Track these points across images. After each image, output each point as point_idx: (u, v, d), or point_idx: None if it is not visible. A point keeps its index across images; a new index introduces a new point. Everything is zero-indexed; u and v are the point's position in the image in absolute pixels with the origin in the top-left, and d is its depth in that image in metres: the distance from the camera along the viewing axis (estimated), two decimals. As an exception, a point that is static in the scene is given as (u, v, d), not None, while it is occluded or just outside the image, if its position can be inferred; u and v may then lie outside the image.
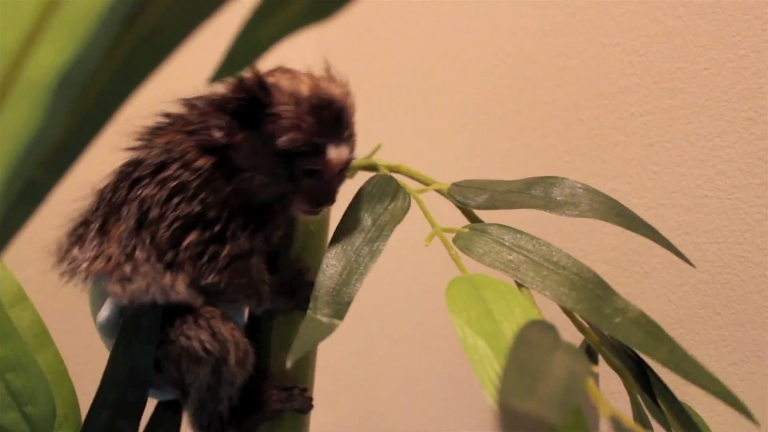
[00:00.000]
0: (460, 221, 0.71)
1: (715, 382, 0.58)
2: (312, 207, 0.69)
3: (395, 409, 1.20)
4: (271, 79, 0.67)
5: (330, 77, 0.72)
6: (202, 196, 0.67)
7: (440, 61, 1.14)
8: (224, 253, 0.68)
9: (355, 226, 0.66)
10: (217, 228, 0.67)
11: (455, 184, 0.73)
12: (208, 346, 0.68)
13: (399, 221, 0.67)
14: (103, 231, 0.69)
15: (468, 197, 0.71)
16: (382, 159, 0.79)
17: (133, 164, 0.69)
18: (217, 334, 0.69)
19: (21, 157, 0.29)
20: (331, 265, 0.63)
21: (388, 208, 0.68)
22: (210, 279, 0.68)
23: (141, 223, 0.67)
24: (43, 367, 0.72)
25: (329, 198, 0.69)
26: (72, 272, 0.69)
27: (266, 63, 0.69)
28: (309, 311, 0.60)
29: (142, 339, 0.68)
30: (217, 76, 0.31)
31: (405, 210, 0.69)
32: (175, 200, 0.67)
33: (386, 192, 0.70)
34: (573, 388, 0.42)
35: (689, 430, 0.63)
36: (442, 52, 1.13)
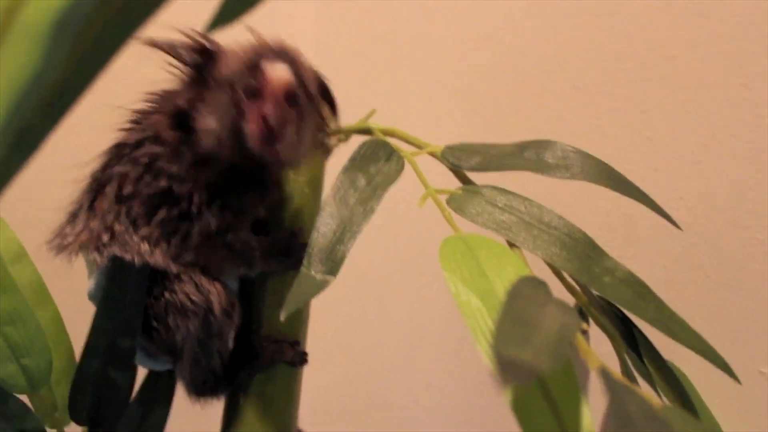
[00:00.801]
0: (453, 186, 0.72)
1: (699, 341, 0.59)
2: (259, 127, 0.66)
3: (389, 371, 1.21)
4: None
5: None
6: (168, 170, 0.69)
7: (436, 26, 1.14)
8: (195, 230, 0.70)
9: (349, 186, 0.67)
10: (183, 204, 0.69)
11: (448, 147, 0.74)
12: (193, 297, 0.71)
13: (393, 182, 0.68)
14: (91, 208, 0.72)
15: (461, 159, 0.72)
16: (376, 123, 0.80)
17: (119, 144, 0.71)
18: (200, 286, 0.71)
19: (18, 101, 0.28)
20: (325, 223, 0.64)
21: (382, 169, 0.69)
22: (187, 257, 0.71)
23: (119, 199, 0.70)
24: (41, 324, 0.74)
25: (272, 113, 0.65)
26: (60, 247, 0.72)
27: (268, 33, 0.71)
28: (303, 268, 0.61)
29: (130, 289, 0.71)
30: (214, 25, 0.32)
31: (399, 171, 0.69)
32: (147, 177, 0.69)
33: (380, 154, 0.70)
34: (564, 339, 0.43)
35: (673, 387, 0.64)
36: (438, 17, 1.13)
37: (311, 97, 0.71)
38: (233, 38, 0.70)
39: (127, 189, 0.70)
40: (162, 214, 0.69)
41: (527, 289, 0.50)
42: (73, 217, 0.73)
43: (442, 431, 1.12)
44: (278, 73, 0.67)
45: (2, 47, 0.28)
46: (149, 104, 0.72)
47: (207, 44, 0.68)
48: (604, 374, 0.47)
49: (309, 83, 0.70)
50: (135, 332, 0.72)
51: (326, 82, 0.76)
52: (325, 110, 0.77)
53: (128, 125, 0.72)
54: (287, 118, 0.67)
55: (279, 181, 0.77)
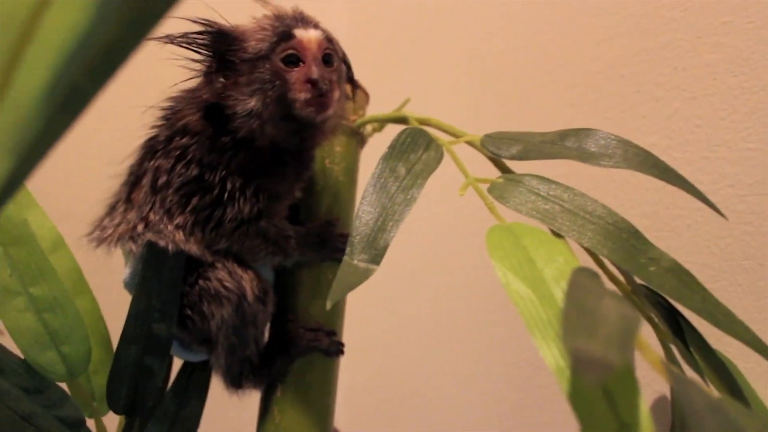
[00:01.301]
0: (490, 176, 0.71)
1: (747, 331, 0.57)
2: (309, 92, 0.66)
3: (425, 365, 1.21)
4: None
5: None
6: (198, 157, 0.70)
7: (477, 17, 1.12)
8: (228, 217, 0.70)
9: (389, 175, 0.66)
10: (215, 192, 0.69)
11: (488, 136, 0.73)
12: (226, 284, 0.71)
13: (433, 170, 0.67)
14: (129, 200, 0.73)
15: (501, 148, 0.71)
16: (412, 112, 0.79)
17: (152, 140, 0.73)
18: (232, 273, 0.72)
19: (66, 61, 0.28)
20: (366, 211, 0.63)
21: (422, 157, 0.68)
22: (221, 244, 0.72)
23: (154, 190, 0.71)
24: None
25: (319, 74, 0.66)
26: (100, 239, 0.73)
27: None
28: (345, 257, 0.60)
29: (166, 275, 0.71)
30: None
31: (438, 160, 0.68)
32: (179, 167, 0.70)
33: (418, 143, 0.69)
34: (629, 332, 0.42)
35: (722, 377, 0.62)
36: (480, 7, 1.12)
37: (342, 58, 0.72)
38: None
39: (162, 180, 0.71)
40: (195, 201, 0.70)
41: (585, 280, 0.48)
42: (111, 209, 0.75)
43: (477, 427, 1.11)
44: (313, 35, 0.67)
45: (52, 4, 0.28)
46: (176, 102, 0.73)
47: (224, 28, 0.68)
48: (667, 367, 0.45)
49: (336, 43, 0.71)
50: (171, 318, 0.72)
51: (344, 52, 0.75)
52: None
53: (158, 122, 0.73)
54: (332, 79, 0.67)
55: (314, 157, 0.78)
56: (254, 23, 0.69)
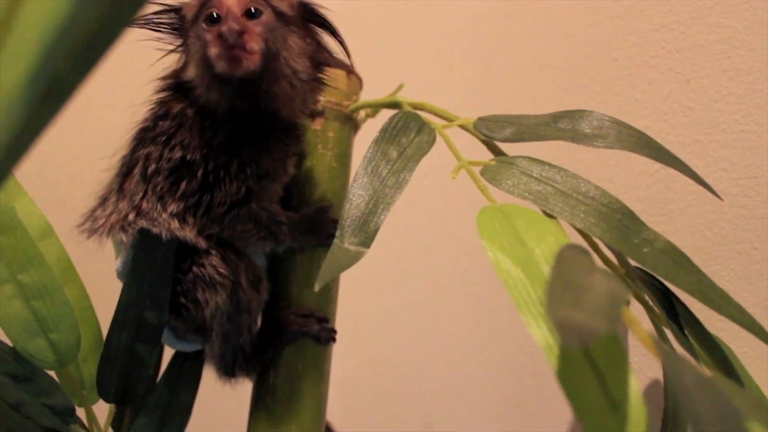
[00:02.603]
0: (483, 159, 0.70)
1: (741, 312, 0.57)
2: (219, 47, 0.66)
3: (419, 351, 1.20)
4: None
5: None
6: (179, 139, 0.70)
7: (469, 1, 1.12)
8: (217, 201, 0.70)
9: (381, 158, 0.66)
10: (200, 172, 0.69)
11: (481, 119, 0.72)
12: (221, 270, 0.71)
13: (425, 153, 0.66)
14: (120, 190, 0.73)
15: (494, 131, 0.70)
16: (405, 97, 0.78)
17: (141, 129, 0.73)
18: (227, 259, 0.72)
19: (47, 49, 0.27)
20: (357, 194, 0.63)
21: (414, 141, 0.68)
22: (213, 229, 0.71)
23: (144, 178, 0.71)
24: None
25: (229, 29, 0.65)
26: (91, 230, 0.73)
27: None
28: (336, 240, 0.60)
29: (158, 262, 0.70)
30: None
31: (431, 143, 0.68)
32: (165, 152, 0.70)
33: (411, 127, 0.69)
34: (615, 304, 0.42)
35: (717, 358, 0.62)
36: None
37: (282, 14, 0.70)
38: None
39: (152, 167, 0.71)
40: (183, 186, 0.70)
41: (573, 256, 0.48)
42: (103, 200, 0.74)
43: (473, 415, 1.11)
44: None
45: None
46: (160, 88, 0.73)
47: (175, 5, 0.70)
48: (656, 343, 0.45)
49: (276, 3, 0.70)
50: (163, 305, 0.72)
51: (316, 9, 0.74)
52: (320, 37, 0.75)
53: (147, 111, 0.74)
54: (247, 30, 0.66)
55: (300, 128, 0.76)
56: None
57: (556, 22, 0.98)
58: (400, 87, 0.82)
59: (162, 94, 0.73)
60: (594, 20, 0.93)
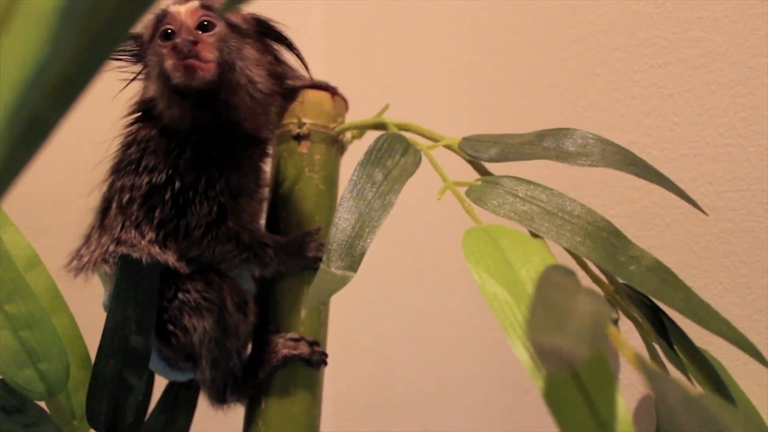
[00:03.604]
0: (470, 179, 0.71)
1: (729, 328, 0.57)
2: (174, 59, 0.67)
3: (411, 369, 1.20)
4: None
5: None
6: (145, 163, 0.70)
7: (451, 19, 1.12)
8: (192, 224, 0.70)
9: (366, 181, 0.66)
10: (167, 195, 0.70)
11: (466, 139, 0.72)
12: (205, 294, 0.71)
13: (410, 175, 0.67)
14: (102, 226, 0.73)
15: (479, 151, 0.70)
16: (391, 118, 0.79)
17: (116, 161, 0.74)
18: (211, 282, 0.72)
19: (24, 90, 0.27)
20: (343, 218, 0.63)
21: (399, 162, 0.68)
22: (193, 252, 0.72)
23: (121, 209, 0.71)
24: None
25: (183, 42, 0.66)
26: (77, 269, 0.73)
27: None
28: (322, 264, 0.60)
29: (142, 287, 0.71)
30: (228, 6, 0.31)
31: (416, 164, 0.68)
32: (136, 180, 0.71)
33: (396, 148, 0.69)
34: (599, 327, 0.42)
35: (708, 375, 0.62)
36: (453, 9, 1.12)
37: (235, 26, 0.71)
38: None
39: (125, 197, 0.71)
40: (158, 214, 0.70)
41: (557, 277, 0.48)
42: (87, 238, 0.75)
43: (466, 430, 1.11)
44: (185, 6, 0.69)
45: (7, 33, 0.27)
46: (127, 116, 0.74)
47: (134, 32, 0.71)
48: (641, 363, 0.45)
49: (230, 17, 0.71)
50: (149, 330, 0.71)
51: (270, 24, 0.75)
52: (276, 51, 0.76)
53: (117, 142, 0.74)
54: (201, 40, 0.67)
55: (261, 143, 0.77)
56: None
57: (539, 39, 0.99)
58: (386, 108, 0.82)
59: (129, 122, 0.73)
60: (577, 36, 0.93)
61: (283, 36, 0.75)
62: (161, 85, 0.69)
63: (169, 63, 0.67)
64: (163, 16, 0.68)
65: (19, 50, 0.27)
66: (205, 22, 0.68)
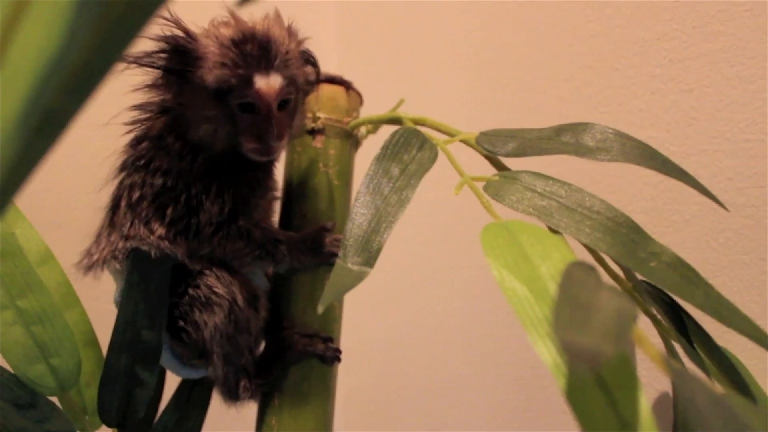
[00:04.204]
0: (486, 174, 0.70)
1: (751, 325, 0.56)
2: (257, 144, 0.68)
3: (425, 368, 1.19)
4: (195, 29, 0.68)
5: (273, 19, 0.71)
6: (158, 164, 0.70)
7: (467, 13, 1.11)
8: (203, 222, 0.70)
9: (383, 176, 0.65)
10: (183, 197, 0.70)
11: (483, 133, 0.71)
12: (216, 289, 0.70)
13: (427, 170, 0.66)
14: (111, 224, 0.73)
15: (496, 145, 0.69)
16: (406, 113, 0.78)
17: (125, 159, 0.73)
18: (221, 278, 0.71)
19: (40, 82, 0.27)
20: (359, 213, 0.62)
21: (416, 157, 0.67)
22: (203, 250, 0.71)
23: (131, 206, 0.71)
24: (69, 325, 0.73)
25: (269, 130, 0.67)
26: (87, 267, 0.73)
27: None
28: (338, 260, 0.59)
29: (153, 281, 0.70)
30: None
31: (432, 159, 0.67)
32: (147, 178, 0.70)
33: (412, 143, 0.68)
34: (624, 324, 0.41)
35: (728, 373, 0.61)
36: (469, 3, 1.11)
37: (300, 91, 0.72)
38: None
39: (136, 195, 0.71)
40: (170, 212, 0.70)
41: (579, 274, 0.47)
42: (97, 237, 0.74)
43: (478, 429, 1.10)
44: (272, 84, 0.67)
45: (23, 24, 0.27)
46: (140, 113, 0.72)
47: (183, 44, 0.67)
48: (666, 360, 0.44)
49: (298, 75, 0.70)
50: (160, 324, 0.71)
51: (307, 50, 0.74)
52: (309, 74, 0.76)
53: (127, 139, 0.73)
54: (282, 127, 0.68)
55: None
56: (214, 41, 0.67)
57: (557, 34, 0.98)
58: (401, 102, 0.81)
59: (145, 116, 0.72)
60: (595, 31, 0.92)
61: (317, 67, 0.77)
62: (225, 141, 0.69)
63: (249, 143, 0.68)
64: (246, 84, 0.66)
65: (35, 42, 0.26)
66: (285, 101, 0.69)
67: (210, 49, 0.67)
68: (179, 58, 0.67)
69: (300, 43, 0.72)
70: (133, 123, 0.72)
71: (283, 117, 0.69)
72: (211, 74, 0.66)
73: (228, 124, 0.68)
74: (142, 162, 0.70)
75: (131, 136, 0.72)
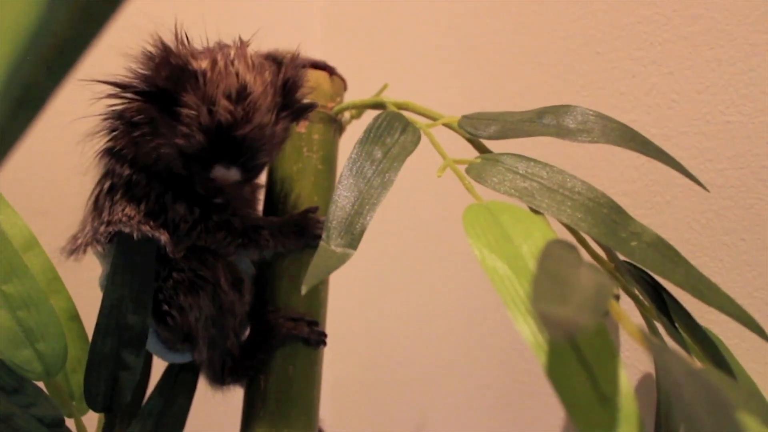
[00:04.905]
0: (469, 157, 0.70)
1: (731, 303, 0.57)
2: (213, 191, 0.70)
3: (410, 352, 1.20)
4: (194, 65, 0.65)
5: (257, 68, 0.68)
6: (125, 152, 0.70)
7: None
8: (177, 220, 0.70)
9: (366, 159, 0.65)
10: (153, 195, 0.70)
11: (465, 117, 0.72)
12: (199, 272, 0.71)
13: (410, 153, 0.66)
14: (95, 209, 0.73)
15: (479, 128, 0.70)
16: (389, 97, 0.78)
17: (106, 148, 0.72)
18: (205, 261, 0.71)
19: (19, 55, 0.27)
20: (342, 196, 0.62)
21: (398, 140, 0.67)
22: (184, 243, 0.71)
23: (108, 193, 0.71)
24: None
25: (232, 193, 0.71)
26: (71, 251, 0.73)
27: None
28: (322, 242, 0.59)
29: (137, 263, 0.70)
30: None
31: (415, 143, 0.68)
32: (117, 167, 0.70)
33: (395, 127, 0.69)
34: (602, 298, 0.42)
35: (708, 351, 0.62)
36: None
37: (280, 136, 0.70)
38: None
39: (107, 183, 0.71)
40: (143, 207, 0.70)
41: (559, 251, 0.48)
42: (83, 222, 0.74)
43: (465, 415, 1.11)
44: (228, 178, 0.66)
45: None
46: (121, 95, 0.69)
47: (164, 86, 0.64)
48: (644, 335, 0.44)
49: (274, 137, 0.68)
50: (145, 307, 0.71)
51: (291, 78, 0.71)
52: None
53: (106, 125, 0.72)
54: (240, 189, 0.72)
55: None
56: (194, 103, 0.64)
57: (538, 18, 0.98)
58: (385, 87, 0.82)
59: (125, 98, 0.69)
60: (576, 15, 0.93)
61: (311, 64, 0.79)
62: (179, 169, 0.69)
63: (205, 185, 0.70)
64: (209, 164, 0.66)
65: (14, 14, 0.27)
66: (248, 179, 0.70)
67: (188, 113, 0.64)
68: (158, 97, 0.65)
69: (281, 74, 0.69)
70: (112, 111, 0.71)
71: (243, 186, 0.71)
72: (179, 139, 0.65)
73: (187, 168, 0.68)
74: (113, 146, 0.70)
75: (105, 114, 0.70)
